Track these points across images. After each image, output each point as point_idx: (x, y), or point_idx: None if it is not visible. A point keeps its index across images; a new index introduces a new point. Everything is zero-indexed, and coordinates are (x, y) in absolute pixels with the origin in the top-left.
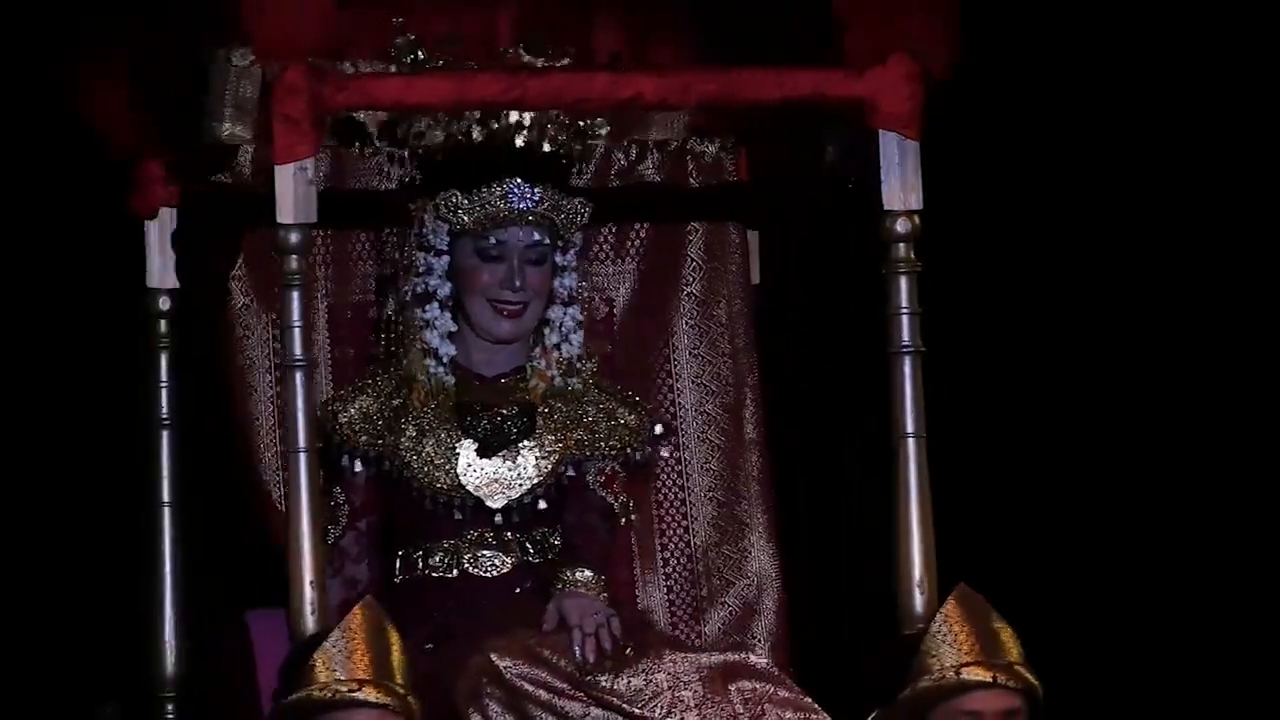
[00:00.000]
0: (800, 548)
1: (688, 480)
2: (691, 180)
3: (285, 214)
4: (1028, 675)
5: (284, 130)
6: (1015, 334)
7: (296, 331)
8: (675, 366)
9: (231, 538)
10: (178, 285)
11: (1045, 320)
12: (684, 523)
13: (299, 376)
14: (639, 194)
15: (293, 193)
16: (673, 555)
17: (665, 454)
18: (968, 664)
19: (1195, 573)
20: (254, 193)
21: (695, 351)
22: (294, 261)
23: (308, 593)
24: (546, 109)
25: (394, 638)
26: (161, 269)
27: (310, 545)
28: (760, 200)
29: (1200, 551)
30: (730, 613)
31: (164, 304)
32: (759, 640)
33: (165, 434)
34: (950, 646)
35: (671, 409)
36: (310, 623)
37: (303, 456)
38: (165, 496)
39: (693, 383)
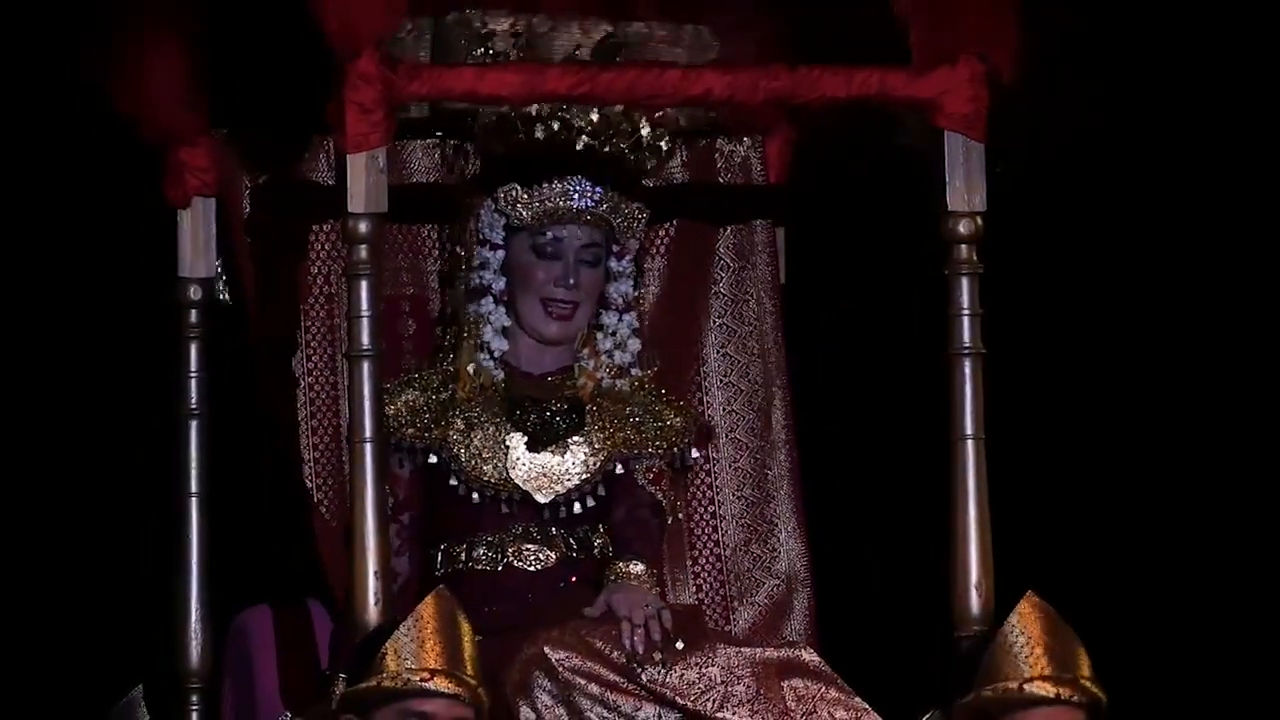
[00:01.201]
0: (831, 548)
1: (716, 479)
2: (720, 179)
3: (356, 203)
4: (1094, 689)
5: (357, 119)
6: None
7: (365, 321)
8: (704, 365)
9: (260, 530)
10: (208, 275)
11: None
12: (713, 522)
13: (366, 366)
14: (670, 193)
15: (364, 182)
16: (702, 554)
17: (696, 454)
18: (1032, 678)
19: (1253, 579)
20: (317, 183)
21: (724, 351)
22: (363, 251)
23: (371, 583)
24: (617, 104)
25: (465, 628)
26: (193, 258)
27: (375, 535)
28: (792, 200)
29: (1261, 559)
30: (760, 612)
31: (195, 293)
32: (786, 640)
33: (194, 424)
34: (1015, 657)
35: (700, 408)
36: (374, 613)
37: (368, 447)
38: (193, 487)
39: (721, 382)
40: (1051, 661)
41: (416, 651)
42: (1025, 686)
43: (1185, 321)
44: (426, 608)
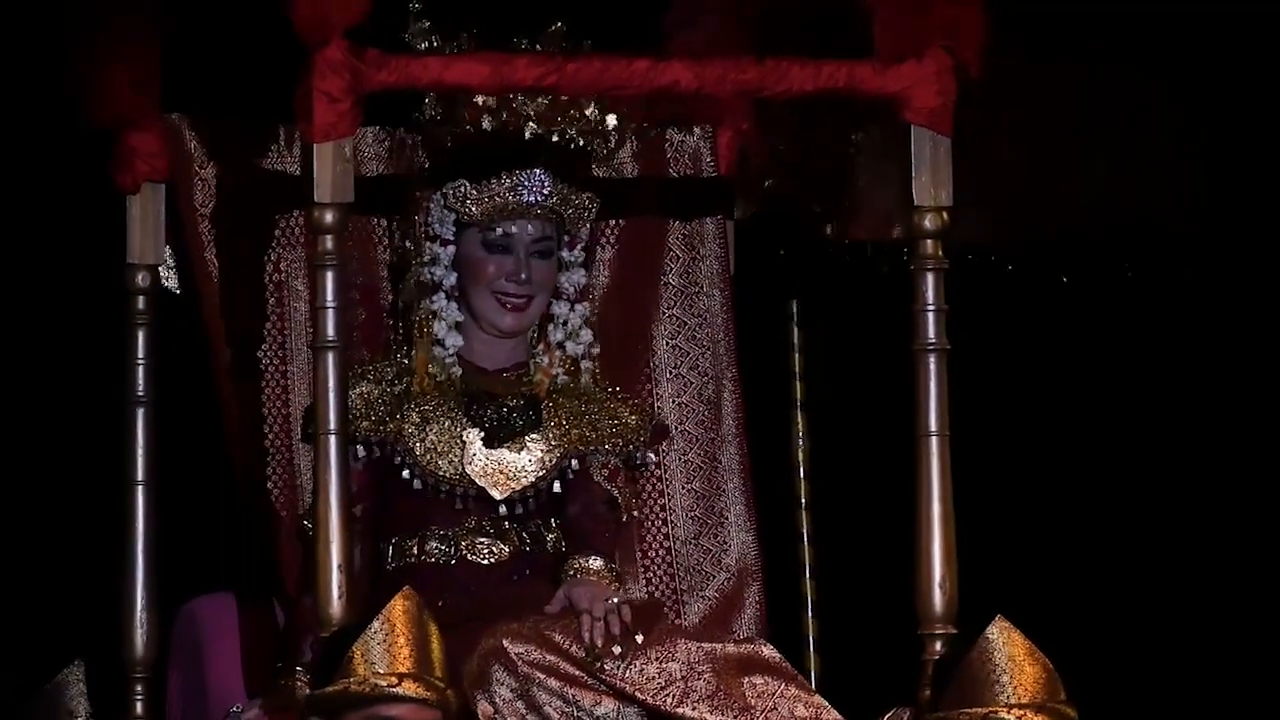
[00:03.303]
0: (784, 542)
1: (666, 472)
2: (670, 170)
3: (322, 193)
4: (1066, 712)
5: (324, 108)
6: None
7: (330, 313)
8: (654, 357)
9: (208, 519)
10: (157, 261)
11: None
12: (663, 515)
13: (330, 358)
14: (620, 185)
15: (330, 172)
16: (651, 547)
17: (651, 456)
18: (1005, 706)
19: (1222, 578)
20: (273, 170)
21: (673, 343)
22: (329, 241)
23: (335, 576)
24: (584, 94)
25: (433, 629)
26: (141, 244)
27: (338, 529)
28: (742, 194)
29: (1229, 556)
30: (710, 605)
31: (143, 280)
32: (739, 635)
33: (140, 412)
34: (986, 682)
35: (650, 400)
36: (337, 607)
37: (333, 439)
38: (139, 475)
39: (671, 374)
40: (1023, 689)
41: (384, 655)
42: (994, 714)
43: (1155, 318)
44: (394, 610)
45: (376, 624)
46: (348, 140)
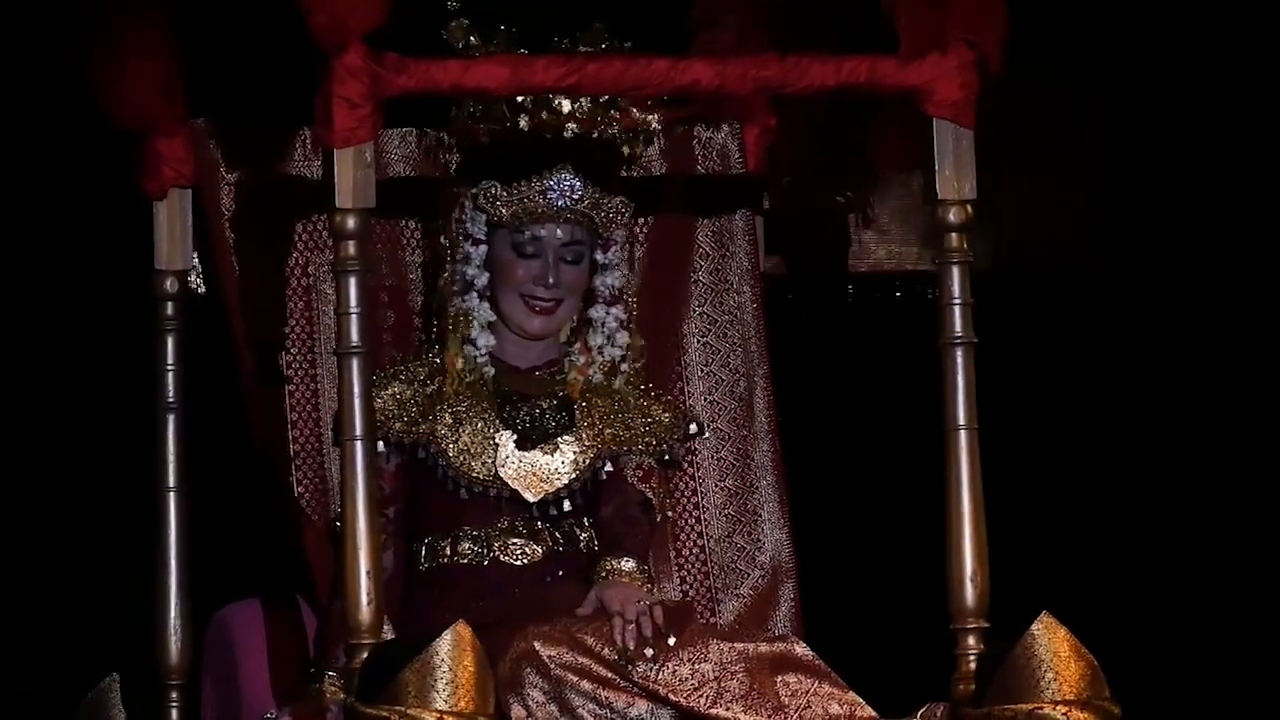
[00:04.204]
0: (817, 538)
1: (699, 470)
2: (699, 167)
3: (344, 199)
4: (1110, 710)
5: (344, 114)
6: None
7: (354, 318)
8: (685, 355)
9: (239, 524)
10: (185, 267)
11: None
12: (696, 513)
13: (355, 364)
14: (648, 183)
15: (351, 177)
16: (685, 546)
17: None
18: (1049, 703)
19: (1262, 573)
20: (298, 175)
21: (704, 340)
22: (351, 247)
23: (364, 582)
24: (604, 94)
25: (483, 660)
26: (169, 250)
27: (366, 535)
28: (772, 189)
29: (1270, 551)
30: (745, 604)
31: (171, 286)
32: (773, 632)
33: (171, 417)
34: (1030, 679)
35: (682, 398)
36: (366, 613)
37: (359, 445)
38: (171, 481)
39: (702, 371)
40: (1067, 686)
41: (433, 689)
42: (1039, 710)
43: (1185, 310)
44: (450, 641)
45: (428, 655)
46: (368, 145)
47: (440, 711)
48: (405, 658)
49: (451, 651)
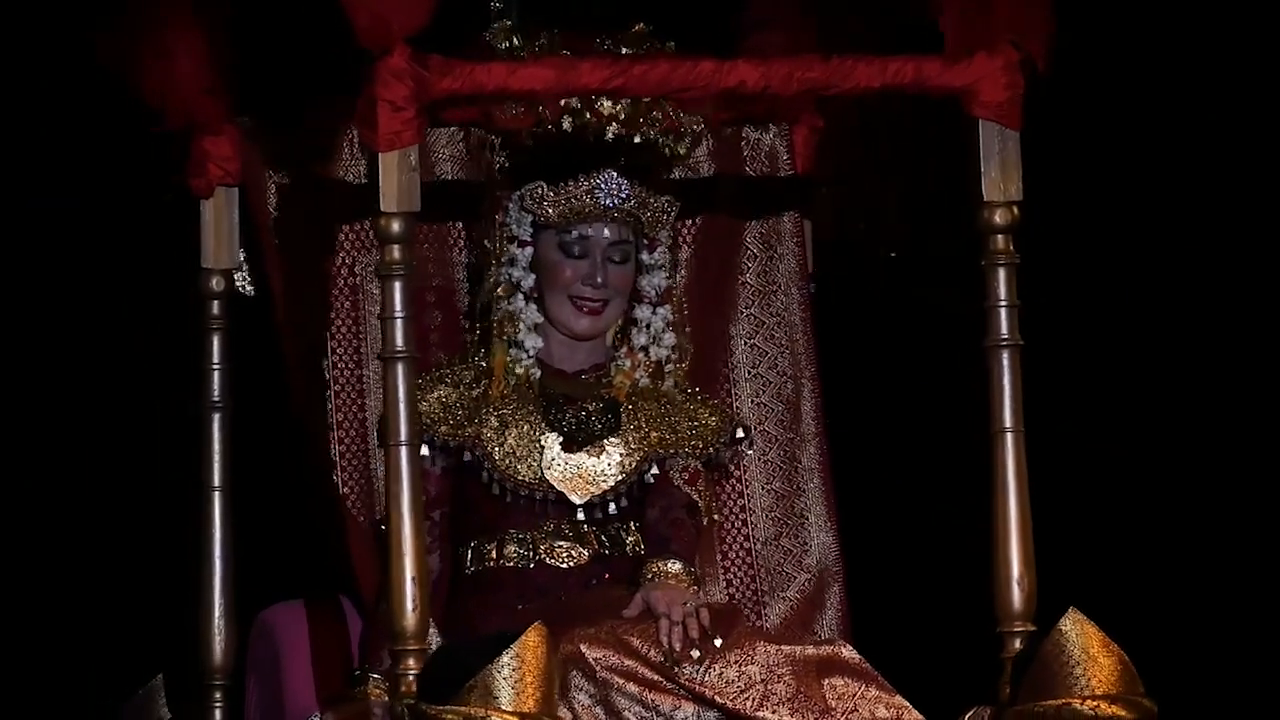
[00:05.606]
0: (864, 541)
1: (745, 473)
2: (747, 169)
3: (389, 202)
4: (1145, 704)
5: (388, 117)
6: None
7: (399, 323)
8: (732, 357)
9: (284, 525)
10: (231, 265)
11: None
12: (743, 515)
13: (400, 368)
14: (696, 185)
15: (396, 180)
16: (732, 549)
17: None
18: (1074, 699)
19: None
20: (344, 176)
21: (752, 342)
22: (396, 251)
23: (409, 588)
24: (650, 95)
25: (554, 663)
26: (216, 249)
27: (411, 540)
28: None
29: None
30: (791, 607)
31: (218, 284)
32: (820, 636)
33: (217, 417)
34: (1063, 674)
35: (729, 400)
36: (411, 619)
37: (404, 450)
38: (216, 480)
39: (749, 374)
40: (1098, 681)
41: (509, 691)
42: (1070, 705)
43: (1226, 311)
44: (526, 645)
45: (506, 659)
46: (413, 148)
47: (520, 714)
48: (477, 662)
49: (519, 655)
